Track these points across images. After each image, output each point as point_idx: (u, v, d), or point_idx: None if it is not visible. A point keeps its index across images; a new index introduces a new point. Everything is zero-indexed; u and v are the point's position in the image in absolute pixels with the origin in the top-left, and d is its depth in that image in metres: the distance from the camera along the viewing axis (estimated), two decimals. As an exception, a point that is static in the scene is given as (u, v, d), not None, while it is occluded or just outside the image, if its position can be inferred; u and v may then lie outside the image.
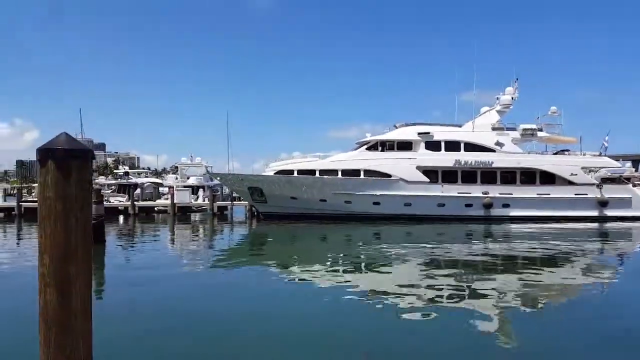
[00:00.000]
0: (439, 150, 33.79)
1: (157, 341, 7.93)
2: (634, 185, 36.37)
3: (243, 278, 14.19)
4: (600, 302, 11.28)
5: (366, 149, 34.61)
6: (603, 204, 32.97)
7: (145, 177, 62.11)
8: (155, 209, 43.50)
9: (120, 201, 43.82)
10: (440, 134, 34.26)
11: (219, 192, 46.99)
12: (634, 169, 58.35)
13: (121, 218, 38.05)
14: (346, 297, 11.31)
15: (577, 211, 32.73)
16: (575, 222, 31.06)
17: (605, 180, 33.89)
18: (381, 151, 34.25)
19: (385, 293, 11.66)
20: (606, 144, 35.81)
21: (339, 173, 33.59)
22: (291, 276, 14.04)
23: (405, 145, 34.06)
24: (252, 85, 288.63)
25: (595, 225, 30.47)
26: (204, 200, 44.19)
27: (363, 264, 16.18)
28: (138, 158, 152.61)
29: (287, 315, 9.68)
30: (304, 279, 13.48)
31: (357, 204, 33.30)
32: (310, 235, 26.66)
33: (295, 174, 34.20)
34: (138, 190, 45.52)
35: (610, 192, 33.29)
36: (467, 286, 12.42)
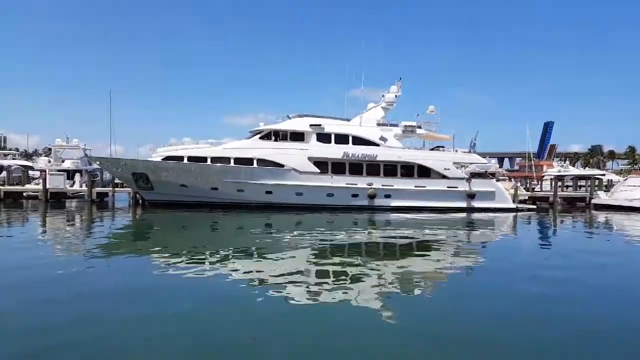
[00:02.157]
0: (329, 142, 35.10)
1: (19, 336, 7.52)
2: (498, 180, 41.41)
3: (122, 271, 13.37)
4: (467, 282, 13.00)
5: (259, 137, 34.73)
6: (471, 196, 36.80)
7: (13, 159, 55.38)
8: (25, 194, 39.18)
9: (-20, 185, 38.56)
10: (331, 126, 35.59)
11: (99, 178, 43.56)
12: (498, 166, 66.75)
13: (-19, 204, 33.65)
14: (234, 285, 11.48)
15: (449, 202, 36.26)
16: (447, 212, 34.42)
17: (474, 175, 37.80)
18: (274, 141, 34.65)
19: (274, 279, 12.08)
20: (475, 142, 40.33)
21: (232, 161, 33.34)
22: (177, 267, 13.47)
23: (298, 136, 34.85)
24: (141, 65, 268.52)
25: (464, 215, 33.87)
26: (81, 186, 40.74)
27: (254, 252, 16.36)
28: (4, 138, 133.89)
29: (166, 310, 9.32)
30: (190, 270, 13.11)
31: (250, 192, 33.40)
32: (200, 224, 26.15)
33: (186, 160, 33.17)
34: (4, 174, 40.53)
35: (477, 185, 37.16)
36: (351, 271, 13.26)
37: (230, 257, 15.40)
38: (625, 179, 48.41)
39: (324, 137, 35.13)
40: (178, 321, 8.58)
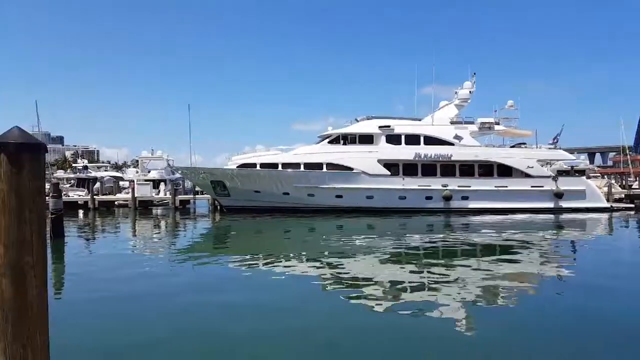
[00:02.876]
0: (400, 143, 34.41)
1: (113, 335, 7.88)
2: (588, 178, 38.17)
3: (206, 272, 14.11)
4: (555, 291, 11.53)
5: (328, 142, 34.91)
6: (558, 195, 34.28)
7: (105, 170, 60.45)
8: (116, 203, 42.55)
9: (79, 195, 42.54)
10: (401, 127, 34.87)
11: (181, 186, 46.28)
12: (588, 162, 61.54)
13: (81, 213, 37.04)
14: (311, 289, 11.47)
15: (533, 203, 33.93)
16: (531, 214, 32.14)
17: (561, 173, 35.31)
18: (343, 144, 34.63)
19: (348, 284, 11.84)
20: (559, 137, 37.45)
21: (302, 166, 33.78)
22: (256, 269, 14.04)
23: (367, 139, 34.55)
24: (215, 78, 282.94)
25: (550, 216, 31.50)
26: (165, 194, 43.46)
27: (327, 256, 16.31)
28: (98, 151, 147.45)
29: (252, 308, 9.63)
30: (269, 271, 13.51)
31: (320, 197, 33.61)
32: (274, 228, 26.76)
33: (258, 167, 34.15)
34: (98, 184, 44.29)
35: (565, 184, 34.56)
36: (428, 277, 12.66)
37: (303, 261, 15.51)
38: None
39: (393, 139, 34.51)
40: (253, 321, 8.67)
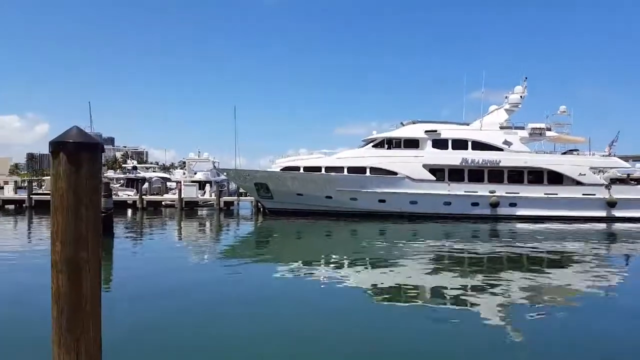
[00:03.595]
0: (446, 148, 33.75)
1: (161, 332, 8.12)
2: (644, 186, 36.03)
3: (249, 273, 14.29)
4: (606, 305, 11.10)
5: (372, 146, 34.66)
6: (612, 204, 32.74)
7: (154, 171, 62.59)
8: (163, 203, 44.00)
9: (128, 195, 44.29)
10: (448, 132, 34.20)
11: (226, 188, 47.29)
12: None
13: (129, 212, 38.51)
14: (353, 294, 11.42)
15: (585, 211, 32.53)
16: (582, 223, 30.87)
17: (615, 181, 33.65)
18: (387, 149, 34.29)
19: (390, 291, 11.73)
20: (615, 144, 35.57)
21: (345, 170, 33.69)
22: (297, 272, 14.14)
23: (412, 143, 34.07)
24: (259, 82, 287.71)
25: (603, 225, 30.26)
26: (210, 196, 44.51)
27: (368, 261, 16.26)
28: (146, 152, 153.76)
29: (293, 311, 9.72)
30: (310, 276, 13.58)
31: (363, 201, 33.39)
32: (315, 231, 26.81)
33: (302, 170, 34.35)
34: (146, 185, 45.96)
35: (620, 192, 33.05)
36: (473, 285, 12.37)
37: (344, 266, 15.47)
38: None
39: (440, 143, 33.86)
40: (289, 324, 8.69)
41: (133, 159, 71.98)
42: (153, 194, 45.91)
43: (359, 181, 33.38)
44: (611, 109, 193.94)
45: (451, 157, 33.45)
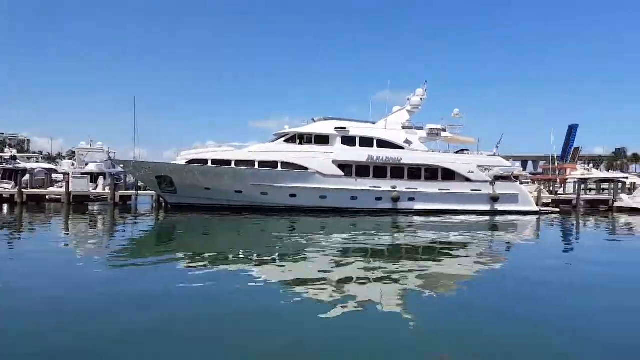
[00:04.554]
0: (354, 145, 34.98)
1: (40, 340, 7.35)
2: (521, 183, 40.89)
3: (149, 279, 12.68)
4: (491, 286, 12.74)
5: (284, 141, 34.68)
6: (495, 199, 36.52)
7: (36, 162, 56.15)
8: (47, 197, 39.60)
9: (5, 188, 39.15)
10: (356, 129, 35.45)
11: (122, 181, 43.87)
12: (522, 169, 66.08)
13: (6, 207, 34.10)
14: (263, 290, 11.24)
15: (473, 205, 36.01)
16: (471, 215, 34.20)
17: (498, 178, 37.51)
18: (299, 144, 34.56)
19: (298, 283, 11.83)
20: (499, 146, 39.88)
21: (256, 164, 33.28)
22: (203, 271, 13.20)
23: (323, 139, 34.74)
24: (167, 71, 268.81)
25: (487, 218, 33.62)
26: (104, 189, 41.08)
27: (278, 256, 16.07)
28: (28, 141, 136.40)
29: (197, 312, 9.12)
30: (217, 273, 12.91)
31: (274, 195, 33.30)
32: (224, 227, 26.06)
33: (210, 163, 33.20)
34: (27, 177, 41.00)
35: (501, 188, 36.89)
36: (374, 275, 13.02)
37: (254, 261, 15.22)
38: (649, 182, 47.46)
39: (348, 140, 35.00)
40: (198, 326, 8.23)
41: (12, 147, 63.57)
42: (35, 187, 41.09)
43: (271, 176, 33.21)
44: (499, 113, 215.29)
45: (358, 154, 34.74)
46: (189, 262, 14.66)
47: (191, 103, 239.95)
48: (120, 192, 39.44)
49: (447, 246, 19.82)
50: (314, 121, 36.36)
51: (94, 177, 42.96)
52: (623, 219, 35.99)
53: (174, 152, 37.06)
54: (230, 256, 16.01)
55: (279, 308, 9.62)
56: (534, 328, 8.57)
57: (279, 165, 33.38)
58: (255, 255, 16.36)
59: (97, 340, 7.45)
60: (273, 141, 35.43)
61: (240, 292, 10.98)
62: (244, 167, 33.03)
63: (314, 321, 8.78)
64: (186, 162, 33.51)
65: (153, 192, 36.73)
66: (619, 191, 47.31)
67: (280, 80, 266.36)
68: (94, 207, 37.05)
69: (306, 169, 33.62)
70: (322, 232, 23.34)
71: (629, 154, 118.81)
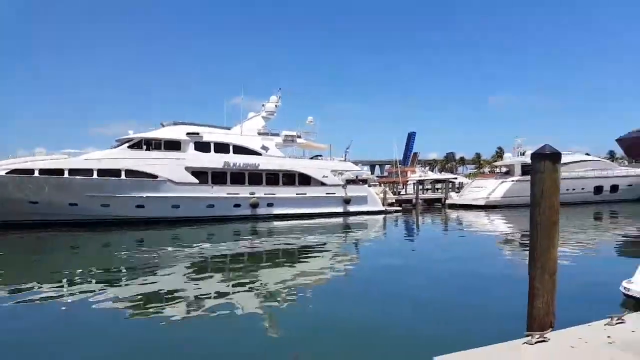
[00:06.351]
0: (209, 151, 33.64)
1: None
2: (369, 186, 43.98)
3: None
4: (347, 283, 13.41)
5: (128, 147, 31.65)
6: (347, 201, 38.58)
7: None
8: None
9: None
10: (210, 135, 34.16)
11: None
12: (370, 172, 71.37)
13: None
14: (100, 312, 10.05)
15: (328, 208, 37.50)
16: (327, 217, 35.65)
17: (349, 182, 39.83)
18: (146, 150, 31.91)
19: (145, 300, 10.87)
20: (348, 151, 42.42)
21: (95, 173, 29.75)
22: (29, 298, 11.35)
23: (173, 145, 32.65)
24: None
25: (341, 219, 35.39)
26: None
27: (123, 274, 14.64)
28: None
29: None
30: (47, 299, 11.23)
31: (117, 207, 30.12)
32: (56, 246, 22.70)
33: (37, 174, 28.66)
34: None
35: (352, 191, 39.15)
36: (233, 284, 12.77)
37: (94, 281, 13.59)
38: (472, 182, 55.32)
39: (202, 146, 33.52)
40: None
41: None
42: None
43: (112, 185, 29.94)
44: (349, 121, 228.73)
45: (214, 160, 33.51)
46: (15, 290, 12.22)
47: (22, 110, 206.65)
48: None
49: (304, 249, 20.16)
50: (163, 126, 34.04)
51: None
52: (453, 214, 41.04)
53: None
54: (63, 278, 13.92)
55: (122, 328, 8.75)
56: (377, 322, 8.96)
57: (123, 173, 30.35)
58: (93, 274, 14.52)
59: None
60: (115, 147, 32.12)
61: (77, 316, 9.72)
62: (78, 177, 29.21)
63: (161, 339, 8.17)
64: (5, 173, 28.38)
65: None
66: (450, 190, 53.99)
67: (129, 84, 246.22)
68: None
69: (155, 176, 31.16)
70: (175, 244, 21.71)
71: (457, 157, 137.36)
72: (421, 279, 13.36)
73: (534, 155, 6.18)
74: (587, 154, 59.70)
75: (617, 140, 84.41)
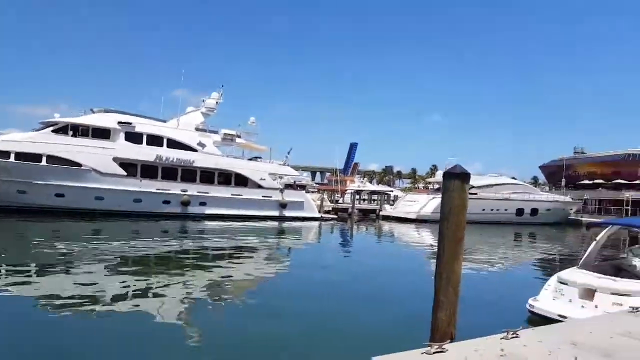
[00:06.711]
0: (141, 143, 32.19)
1: None
2: (307, 192, 44.07)
3: None
4: (276, 286, 13.32)
5: (52, 131, 29.60)
6: (283, 205, 38.27)
7: None
8: None
9: None
10: (143, 126, 32.72)
11: None
12: (310, 179, 71.67)
13: None
14: (22, 307, 9.38)
15: (264, 211, 36.92)
16: (261, 221, 35.04)
17: (287, 186, 39.56)
18: (72, 136, 29.96)
19: (60, 298, 10.09)
20: (289, 156, 42.24)
21: (12, 156, 27.49)
22: None
23: (102, 133, 30.93)
24: None
25: (276, 223, 35.04)
26: None
27: (41, 267, 13.61)
28: None
29: None
30: None
31: (35, 194, 28.01)
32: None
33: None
34: None
35: (289, 196, 38.90)
36: (154, 284, 12.11)
37: (10, 274, 12.47)
38: (405, 196, 57.17)
39: (134, 137, 32.00)
40: None
41: None
42: None
43: (31, 170, 27.80)
44: (294, 125, 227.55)
45: (145, 153, 32.08)
46: None
47: None
48: None
49: (235, 252, 19.68)
50: (93, 112, 32.21)
51: None
52: (386, 225, 42.01)
53: None
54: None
55: (41, 324, 8.18)
56: (308, 323, 9.06)
57: (44, 159, 28.27)
58: (11, 267, 13.38)
59: None
60: (38, 130, 29.89)
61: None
62: (-8, 159, 26.90)
63: (75, 336, 7.71)
64: None
65: None
66: (385, 202, 55.37)
67: (64, 63, 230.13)
68: None
69: (79, 165, 29.31)
70: (94, 239, 20.49)
71: (395, 171, 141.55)
72: (343, 288, 13.20)
73: (445, 175, 6.34)
74: (514, 178, 63.55)
75: (540, 167, 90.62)
